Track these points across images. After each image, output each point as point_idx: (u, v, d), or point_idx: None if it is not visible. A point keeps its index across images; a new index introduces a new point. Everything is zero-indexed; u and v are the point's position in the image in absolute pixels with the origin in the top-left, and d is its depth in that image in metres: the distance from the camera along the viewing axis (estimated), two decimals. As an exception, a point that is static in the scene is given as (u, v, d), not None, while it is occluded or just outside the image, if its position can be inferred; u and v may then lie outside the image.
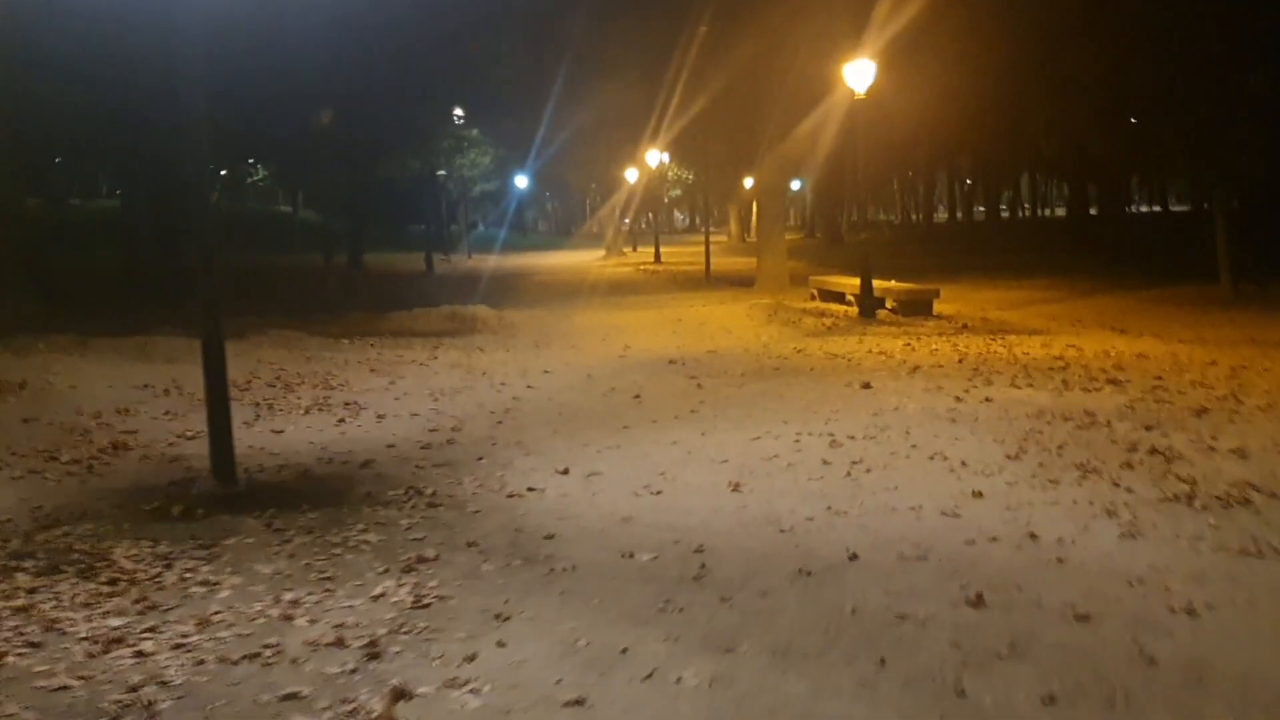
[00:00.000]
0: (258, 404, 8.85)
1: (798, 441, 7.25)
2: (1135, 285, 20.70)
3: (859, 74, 14.67)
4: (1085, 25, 17.21)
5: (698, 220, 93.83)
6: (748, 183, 59.45)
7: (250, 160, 60.82)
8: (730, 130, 24.91)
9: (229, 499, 5.87)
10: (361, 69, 25.64)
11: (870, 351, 11.89)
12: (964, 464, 6.55)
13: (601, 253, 45.67)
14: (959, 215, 77.12)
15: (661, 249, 38.52)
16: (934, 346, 12.22)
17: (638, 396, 9.25)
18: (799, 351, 12.11)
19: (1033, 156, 30.42)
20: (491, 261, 40.68)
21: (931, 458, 6.76)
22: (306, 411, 8.58)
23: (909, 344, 12.49)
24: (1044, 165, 36.49)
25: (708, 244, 27.53)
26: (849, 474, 6.35)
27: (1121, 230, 31.83)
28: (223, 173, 71.53)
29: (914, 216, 74.81)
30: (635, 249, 47.86)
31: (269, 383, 9.90)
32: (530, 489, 6.09)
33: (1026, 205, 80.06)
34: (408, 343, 13.53)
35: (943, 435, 7.38)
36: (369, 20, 25.80)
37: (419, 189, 42.59)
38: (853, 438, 7.33)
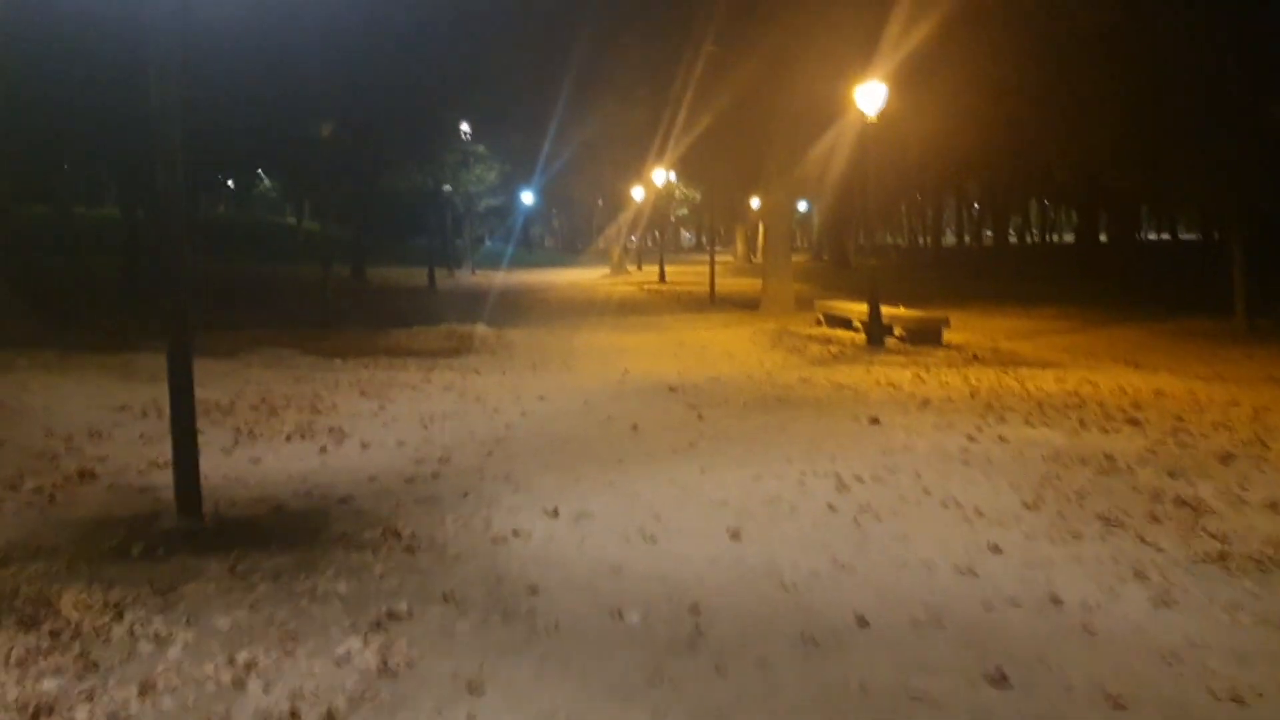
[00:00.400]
0: (239, 428, 8.48)
1: (802, 482, 6.87)
2: (1147, 317, 20.33)
3: (870, 97, 14.35)
4: (1103, 51, 16.87)
5: (704, 240, 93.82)
6: (754, 203, 59.57)
7: (258, 171, 60.80)
8: (737, 150, 24.64)
9: (193, 537, 5.50)
10: (366, 80, 25.38)
11: (878, 383, 11.51)
12: (979, 512, 6.17)
13: (606, 270, 45.38)
14: (966, 240, 76.91)
15: (666, 268, 38.22)
16: (944, 379, 11.84)
17: (635, 427, 8.87)
18: (804, 381, 11.73)
19: (1044, 183, 30.04)
20: (496, 278, 40.43)
21: (944, 504, 6.38)
22: (289, 438, 8.21)
23: (918, 375, 12.11)
24: (1054, 192, 36.11)
25: (713, 265, 27.19)
26: (856, 521, 5.97)
27: (1131, 259, 31.44)
28: (229, 183, 71.63)
29: (922, 240, 74.51)
30: (640, 267, 47.60)
31: (253, 405, 9.54)
32: (515, 532, 5.71)
33: (1034, 231, 79.83)
34: (402, 363, 13.18)
35: (955, 478, 7.00)
36: (375, 31, 25.60)
37: (425, 202, 42.35)
38: (860, 479, 6.95)
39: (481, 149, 40.85)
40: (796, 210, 37.92)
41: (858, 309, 17.72)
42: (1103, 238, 43.45)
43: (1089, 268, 32.79)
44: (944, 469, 7.29)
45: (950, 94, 17.76)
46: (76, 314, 17.37)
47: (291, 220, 60.02)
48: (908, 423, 9.07)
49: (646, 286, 34.01)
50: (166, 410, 9.25)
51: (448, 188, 40.03)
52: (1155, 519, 5.94)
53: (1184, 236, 62.10)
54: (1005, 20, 16.99)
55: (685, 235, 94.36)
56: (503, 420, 9.16)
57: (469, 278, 41.30)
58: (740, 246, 57.60)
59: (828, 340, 15.89)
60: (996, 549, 5.39)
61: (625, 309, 24.35)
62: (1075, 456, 7.67)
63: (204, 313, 19.91)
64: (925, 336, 15.47)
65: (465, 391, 10.83)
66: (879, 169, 14.98)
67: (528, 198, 53.24)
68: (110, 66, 16.60)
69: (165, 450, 7.42)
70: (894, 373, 12.34)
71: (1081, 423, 9.11)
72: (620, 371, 12.64)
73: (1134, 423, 9.12)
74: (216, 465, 7.24)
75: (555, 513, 6.08)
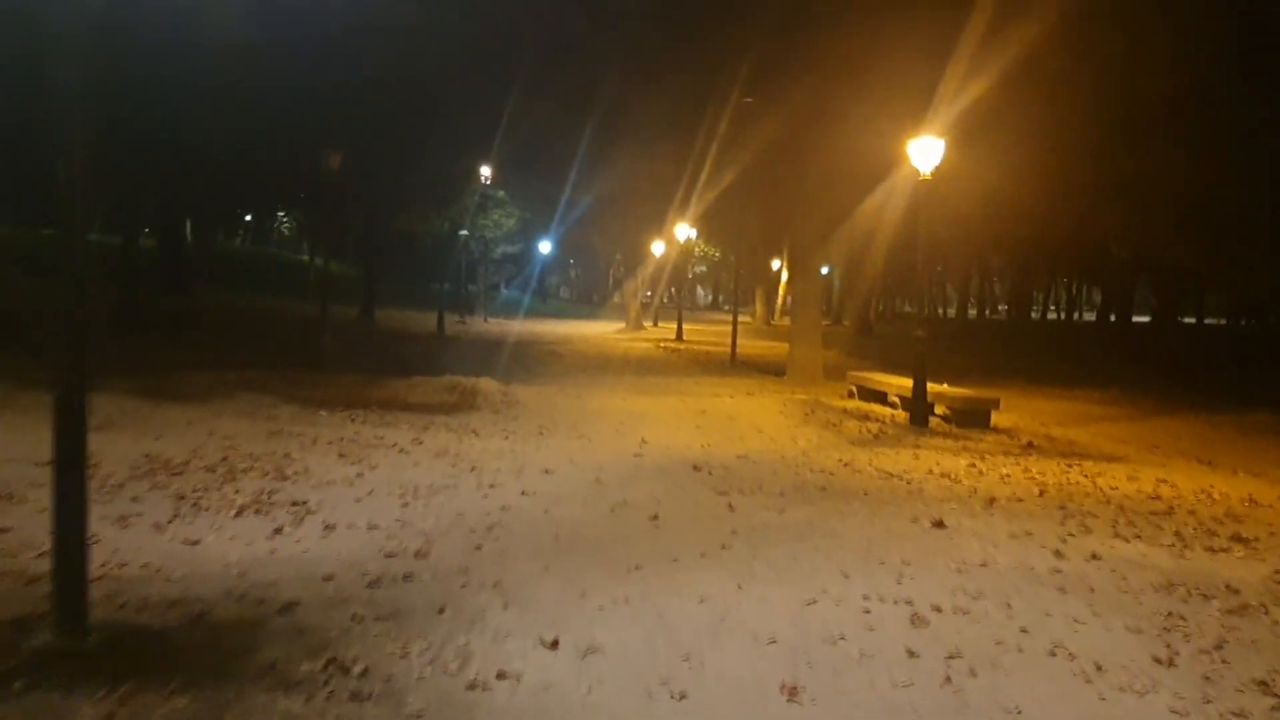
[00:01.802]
0: (183, 497, 7.12)
1: (867, 611, 5.47)
2: (1200, 406, 18.85)
3: (925, 152, 13.12)
4: (1168, 117, 15.66)
5: (721, 299, 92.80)
6: (774, 264, 58.53)
7: (279, 209, 60.16)
8: (766, 206, 23.48)
9: (71, 661, 4.13)
10: (383, 118, 24.42)
11: (931, 472, 10.10)
12: (1099, 668, 4.78)
13: (622, 325, 44.17)
14: (986, 313, 75.57)
15: (684, 326, 36.97)
16: (1004, 471, 10.42)
17: (655, 517, 7.48)
18: (845, 465, 10.33)
19: (1092, 256, 28.64)
20: (510, 327, 39.22)
21: (1051, 653, 4.98)
22: (241, 512, 6.85)
23: (973, 465, 10.70)
24: (1094, 266, 34.48)
25: (735, 325, 25.84)
26: (947, 678, 4.56)
27: (1171, 342, 29.97)
28: (247, 218, 71.17)
29: (941, 311, 73.28)
30: (656, 324, 46.36)
31: (210, 465, 8.19)
32: (501, 674, 4.32)
33: (1054, 308, 78.57)
34: (394, 419, 11.83)
35: (1056, 614, 5.59)
36: (394, 70, 24.71)
37: (441, 246, 41.35)
38: (939, 609, 5.54)
39: (501, 194, 39.86)
40: (824, 272, 36.62)
41: (895, 383, 16.36)
42: (1133, 318, 42.10)
43: (1125, 349, 31.42)
44: (1037, 598, 5.88)
45: (1002, 154, 16.53)
46: (42, 343, 16.09)
47: (305, 258, 59.27)
48: (977, 528, 7.65)
49: (663, 345, 32.70)
50: (106, 466, 7.97)
51: (464, 232, 38.97)
52: (1340, 696, 4.52)
53: (1208, 321, 60.61)
54: (1066, 81, 15.82)
55: (700, 293, 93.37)
56: (499, 500, 7.78)
57: (481, 325, 40.11)
58: (759, 308, 56.33)
59: (865, 416, 14.49)
60: (1148, 739, 3.98)
61: (642, 368, 23.01)
62: (1191, 587, 6.27)
63: (188, 350, 18.79)
64: (973, 418, 14.06)
65: (460, 459, 9.46)
66: (930, 229, 13.68)
67: (545, 247, 52.28)
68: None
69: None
70: (945, 460, 10.93)
71: (1180, 537, 7.70)
72: (637, 442, 11.26)
73: (1241, 540, 7.72)
74: (141, 547, 5.89)
75: (554, 644, 4.69)
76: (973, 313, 74.06)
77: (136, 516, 6.55)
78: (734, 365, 23.96)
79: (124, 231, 24.98)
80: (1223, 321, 62.98)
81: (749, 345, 31.41)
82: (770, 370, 22.73)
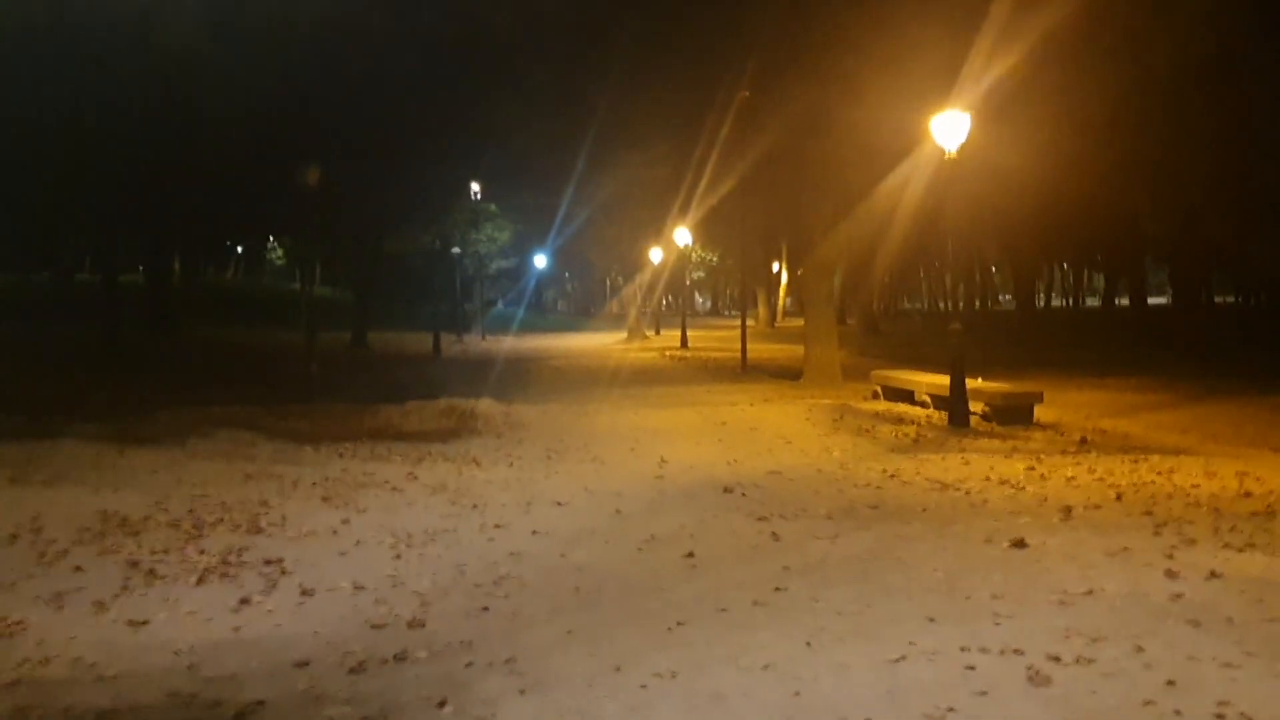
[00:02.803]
0: (137, 563, 6.05)
1: (971, 667, 4.40)
2: (1246, 389, 17.78)
3: (950, 128, 12.09)
4: (1200, 86, 14.62)
5: (722, 304, 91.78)
6: (774, 266, 57.43)
7: (266, 237, 59.13)
8: (773, 201, 22.42)
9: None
10: (365, 132, 23.39)
11: (988, 479, 9.04)
12: (1285, 735, 3.70)
13: (623, 335, 43.10)
14: (989, 304, 74.32)
15: (687, 333, 35.92)
16: (1067, 473, 9.35)
17: (690, 554, 6.42)
18: (891, 476, 9.26)
19: (1123, 234, 27.30)
20: (507, 343, 38.19)
21: (1220, 715, 3.90)
22: (202, 579, 5.78)
23: (1032, 467, 9.62)
24: (1116, 248, 32.82)
25: (744, 328, 24.76)
26: (1104, 767, 3.49)
27: (1202, 323, 28.75)
28: (239, 250, 70.17)
29: (942, 305, 72.21)
30: (658, 332, 45.28)
31: (174, 520, 7.11)
32: (522, 804, 3.25)
33: (1056, 295, 77.56)
34: (386, 451, 10.76)
35: (1201, 657, 4.51)
36: (378, 83, 23.70)
37: (433, 264, 40.26)
38: (1058, 660, 4.47)
39: (493, 208, 38.79)
40: (839, 266, 35.29)
41: (924, 380, 15.33)
42: (1148, 300, 40.99)
43: (1144, 333, 30.37)
44: (1170, 637, 4.80)
45: (1025, 132, 15.40)
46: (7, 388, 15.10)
47: (296, 285, 58.28)
48: (1064, 546, 6.57)
49: (668, 353, 31.66)
50: (49, 530, 6.80)
51: (456, 250, 37.89)
52: None
53: (1216, 300, 59.51)
54: (1090, 51, 14.78)
55: (699, 299, 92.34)
56: (507, 544, 6.71)
57: (478, 343, 39.07)
58: (762, 310, 55.25)
59: (898, 419, 13.42)
60: None
61: (650, 378, 21.94)
62: (1344, 607, 5.19)
63: (169, 388, 17.73)
64: (1014, 414, 13.01)
65: (460, 494, 8.40)
66: (956, 213, 12.59)
67: (540, 260, 51.26)
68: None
69: (6, 605, 5.06)
70: (999, 464, 9.86)
71: (1299, 544, 6.63)
72: (656, 461, 10.20)
73: (1370, 541, 6.65)
74: (75, 635, 4.83)
75: (589, 749, 3.62)
76: (976, 304, 72.99)
77: (76, 592, 5.49)
78: (745, 371, 22.90)
79: (104, 270, 23.96)
80: (1231, 299, 62.01)
81: (756, 349, 30.29)
82: (784, 374, 21.68)
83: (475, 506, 7.88)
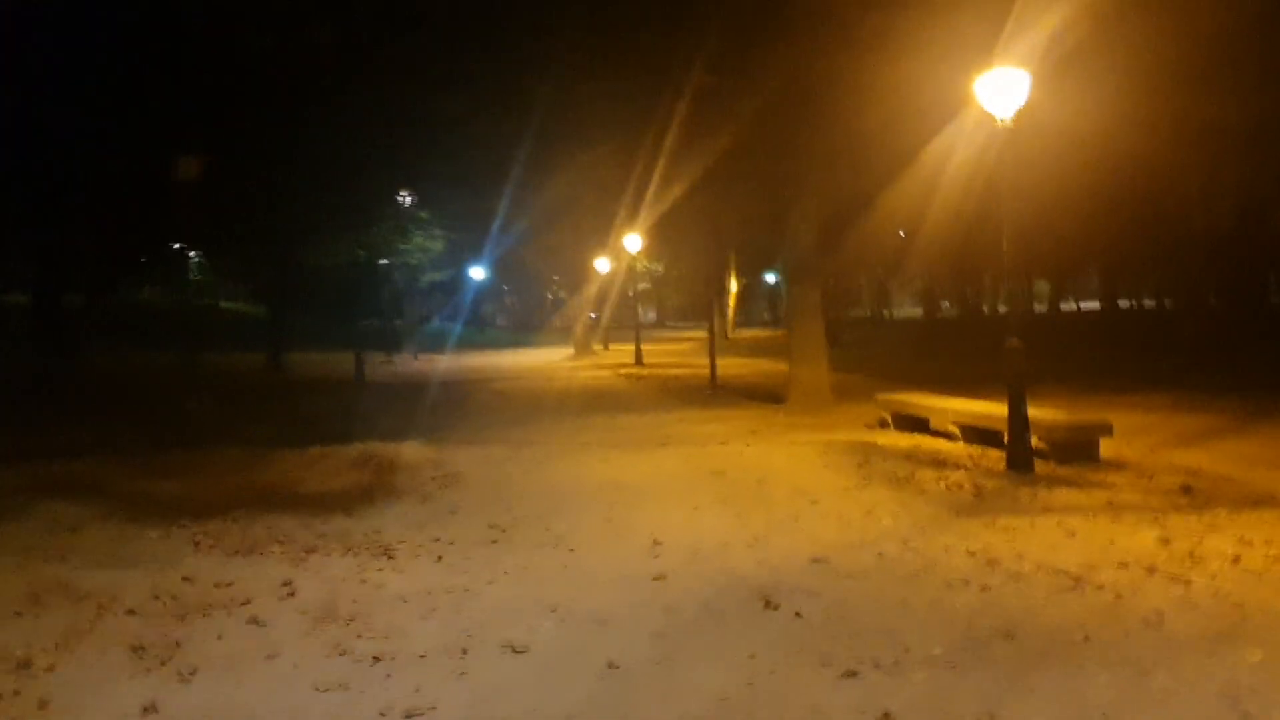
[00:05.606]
0: None
1: None
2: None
3: (1002, 90, 9.37)
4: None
5: (664, 315, 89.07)
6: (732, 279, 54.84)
7: (189, 251, 54.92)
8: (741, 201, 19.70)
9: None
10: (274, 131, 20.17)
11: (1122, 565, 6.21)
12: None
13: (570, 351, 40.07)
14: (984, 308, 71.07)
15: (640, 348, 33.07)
16: (1219, 546, 6.58)
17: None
18: (988, 564, 6.39)
19: (1163, 228, 24.40)
20: (442, 363, 34.94)
21: None
22: None
23: (1165, 540, 6.84)
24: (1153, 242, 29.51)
25: (713, 343, 21.86)
26: None
27: (1246, 329, 26.16)
28: (157, 265, 65.67)
29: (885, 313, 70.21)
30: (606, 347, 42.27)
31: None
32: None
33: (998, 301, 75.54)
34: (265, 534, 7.67)
35: None
36: (281, 71, 20.54)
37: (360, 278, 36.86)
38: None
39: (424, 215, 35.49)
40: (822, 272, 32.38)
41: (946, 406, 12.65)
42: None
43: (1153, 341, 28.32)
44: None
45: (1079, 100, 12.80)
46: None
47: (229, 304, 54.22)
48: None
49: (623, 371, 28.72)
50: None
51: (384, 261, 34.54)
52: None
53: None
54: (1126, 23, 12.24)
55: (643, 312, 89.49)
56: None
57: (410, 363, 35.76)
58: (720, 321, 52.49)
59: (936, 460, 10.59)
60: None
61: (609, 404, 18.95)
62: None
63: (12, 431, 14.37)
64: (1077, 451, 10.28)
65: (355, 629, 5.35)
66: (1012, 188, 9.78)
67: (478, 272, 48.03)
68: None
69: None
70: (1114, 533, 7.08)
71: None
72: (647, 545, 7.24)
73: None
74: None
75: None
76: (915, 311, 70.95)
77: None
78: (716, 392, 20.05)
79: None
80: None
81: (719, 364, 27.51)
82: (761, 395, 18.88)
83: (377, 660, 4.86)
